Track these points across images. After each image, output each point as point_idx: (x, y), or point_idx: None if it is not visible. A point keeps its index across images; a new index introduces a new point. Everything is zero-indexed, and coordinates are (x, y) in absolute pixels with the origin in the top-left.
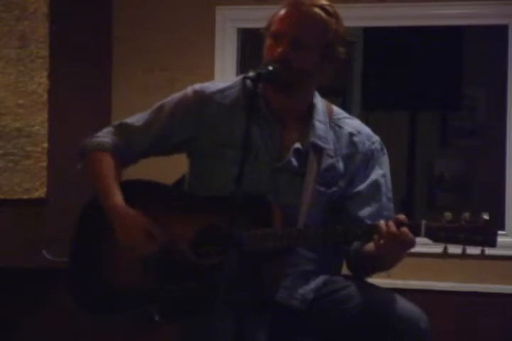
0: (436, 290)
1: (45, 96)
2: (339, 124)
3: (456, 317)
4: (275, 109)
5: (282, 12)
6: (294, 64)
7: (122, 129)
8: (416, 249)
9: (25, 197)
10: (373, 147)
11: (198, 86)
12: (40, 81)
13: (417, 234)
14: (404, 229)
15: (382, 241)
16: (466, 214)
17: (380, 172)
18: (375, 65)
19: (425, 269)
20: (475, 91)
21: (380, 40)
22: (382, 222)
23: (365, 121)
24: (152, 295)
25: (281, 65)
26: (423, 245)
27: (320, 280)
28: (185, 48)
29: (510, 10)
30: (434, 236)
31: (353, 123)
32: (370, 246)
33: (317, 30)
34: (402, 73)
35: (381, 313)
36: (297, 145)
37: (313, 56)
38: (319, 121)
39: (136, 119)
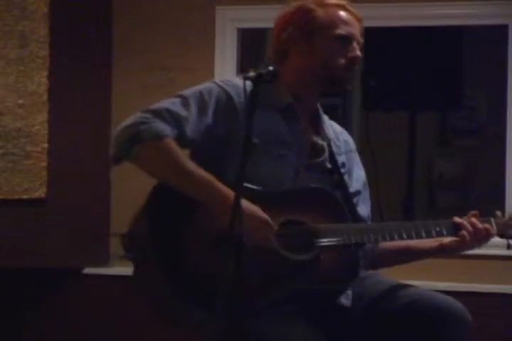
0: (436, 290)
1: (45, 96)
2: (330, 123)
3: None
4: (298, 102)
5: (344, 15)
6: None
7: (172, 116)
8: None
9: (25, 197)
10: (355, 146)
11: (225, 80)
12: (40, 81)
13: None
14: (488, 226)
15: (468, 238)
16: None
17: (363, 171)
18: (375, 65)
19: (425, 269)
20: (475, 91)
21: (380, 40)
22: (465, 219)
23: (365, 121)
24: (261, 291)
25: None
26: None
27: None
28: (185, 48)
29: (510, 10)
30: (505, 233)
31: (334, 123)
32: (404, 242)
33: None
34: (402, 73)
35: (427, 304)
36: (320, 141)
37: None
38: (327, 119)
39: (176, 108)
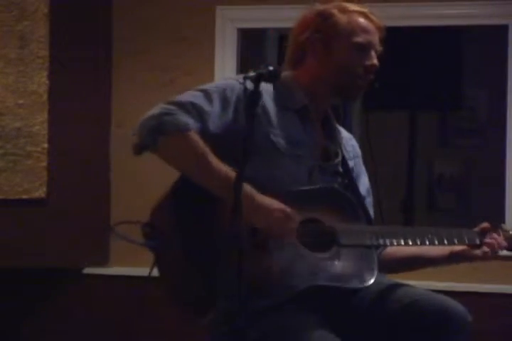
0: (436, 290)
1: (45, 96)
2: (338, 128)
3: None
4: (312, 105)
5: (364, 23)
6: None
7: (196, 109)
8: None
9: (25, 197)
10: (360, 152)
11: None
12: (40, 81)
13: None
14: (500, 239)
15: (486, 250)
16: None
17: (367, 177)
18: None
19: (425, 269)
20: (475, 91)
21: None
22: (479, 231)
23: (365, 121)
24: (280, 287)
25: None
26: None
27: None
28: (185, 48)
29: (510, 10)
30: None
31: (342, 128)
32: (413, 249)
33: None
34: (402, 73)
35: (427, 304)
36: (333, 145)
37: None
38: (337, 124)
39: (200, 101)
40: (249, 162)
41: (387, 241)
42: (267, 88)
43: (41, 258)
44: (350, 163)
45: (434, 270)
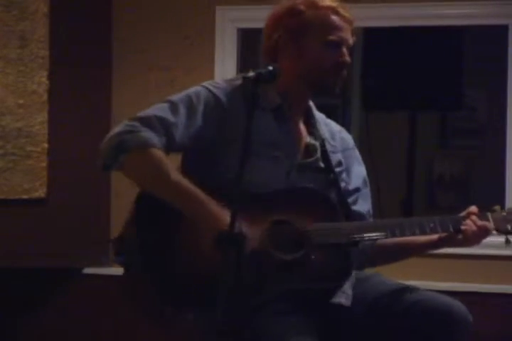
0: (436, 290)
1: (45, 96)
2: (326, 122)
3: None
4: (288, 103)
5: (335, 19)
6: None
7: (160, 124)
8: None
9: (25, 197)
10: (353, 143)
11: (214, 83)
12: (40, 81)
13: None
14: (486, 223)
15: (469, 234)
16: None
17: (364, 167)
18: (375, 65)
19: (425, 269)
20: (475, 91)
21: (380, 40)
22: (466, 216)
23: (365, 121)
24: (253, 290)
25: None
26: None
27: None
28: (185, 48)
29: (510, 10)
30: (502, 228)
31: (331, 121)
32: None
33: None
34: (402, 73)
35: (429, 305)
36: (313, 141)
37: None
38: (320, 118)
39: (165, 114)
40: (223, 165)
41: (364, 236)
42: (238, 89)
43: (41, 258)
44: (336, 157)
45: (434, 270)
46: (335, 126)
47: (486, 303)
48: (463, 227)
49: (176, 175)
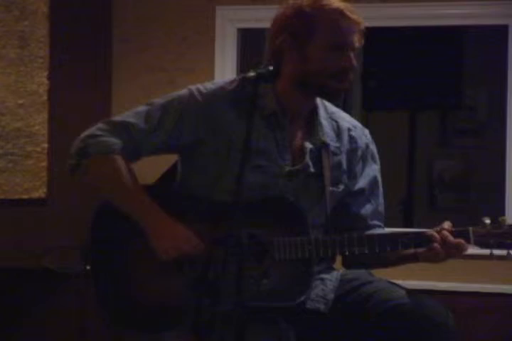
0: (436, 290)
1: (45, 96)
2: (335, 119)
3: (457, 318)
4: (286, 109)
5: (341, 23)
6: None
7: (128, 129)
8: None
9: (25, 197)
10: (367, 140)
11: (201, 86)
12: (40, 81)
13: (468, 241)
14: (460, 240)
15: (439, 251)
16: (503, 219)
17: (377, 167)
18: (375, 65)
19: (425, 270)
20: (475, 91)
21: (380, 40)
22: (435, 233)
23: (365, 121)
24: (200, 311)
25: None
26: None
27: (334, 277)
28: (185, 48)
29: (510, 10)
30: (484, 243)
31: (345, 117)
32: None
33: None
34: (402, 73)
35: (408, 312)
36: (309, 145)
37: None
38: (323, 118)
39: (137, 119)
40: (196, 175)
41: (328, 252)
42: (229, 94)
43: (41, 258)
44: (336, 158)
45: (434, 270)
46: (346, 123)
47: (486, 303)
48: (432, 244)
49: (133, 185)
